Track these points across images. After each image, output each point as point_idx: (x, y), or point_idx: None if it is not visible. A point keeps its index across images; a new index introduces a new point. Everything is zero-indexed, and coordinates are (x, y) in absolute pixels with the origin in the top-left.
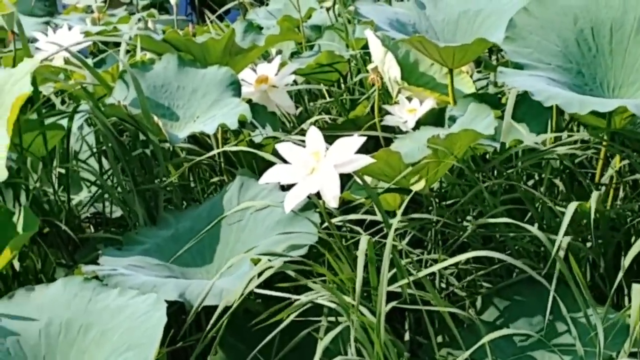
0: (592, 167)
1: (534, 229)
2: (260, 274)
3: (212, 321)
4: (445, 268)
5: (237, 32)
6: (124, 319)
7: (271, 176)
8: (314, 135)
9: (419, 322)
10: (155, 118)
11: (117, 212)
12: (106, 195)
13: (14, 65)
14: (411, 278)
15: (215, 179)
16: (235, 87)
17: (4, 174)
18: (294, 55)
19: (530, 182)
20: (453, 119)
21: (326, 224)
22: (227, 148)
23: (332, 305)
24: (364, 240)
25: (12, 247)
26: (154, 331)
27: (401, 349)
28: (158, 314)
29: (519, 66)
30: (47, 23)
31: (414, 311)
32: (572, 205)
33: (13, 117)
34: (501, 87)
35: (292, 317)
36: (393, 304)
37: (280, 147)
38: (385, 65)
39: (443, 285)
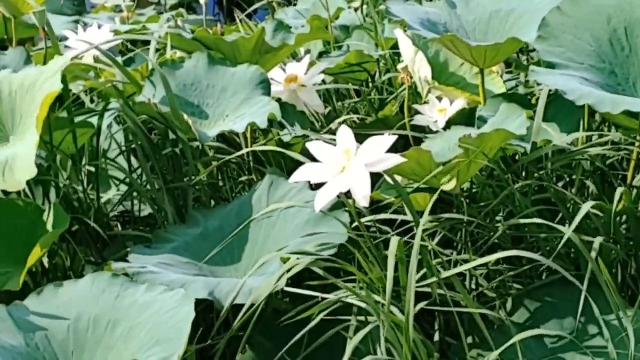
0: (622, 168)
1: (565, 230)
2: (289, 272)
3: (239, 319)
4: (475, 268)
5: (266, 31)
6: (151, 314)
7: (301, 175)
8: (344, 133)
9: (448, 323)
10: (185, 116)
11: (145, 211)
12: (135, 194)
13: (44, 63)
14: (441, 277)
15: (243, 178)
16: (265, 85)
17: (33, 170)
18: (322, 54)
19: (561, 183)
20: (482, 119)
21: (355, 223)
22: (255, 148)
23: (362, 305)
24: (394, 240)
25: (42, 244)
26: (181, 326)
27: (431, 349)
28: (186, 308)
29: (551, 65)
30: (77, 22)
31: (444, 311)
32: (587, 205)
33: (43, 114)
34: (531, 87)
35: (321, 315)
36: (422, 304)
37: (311, 146)
38: (416, 64)
39: (473, 286)
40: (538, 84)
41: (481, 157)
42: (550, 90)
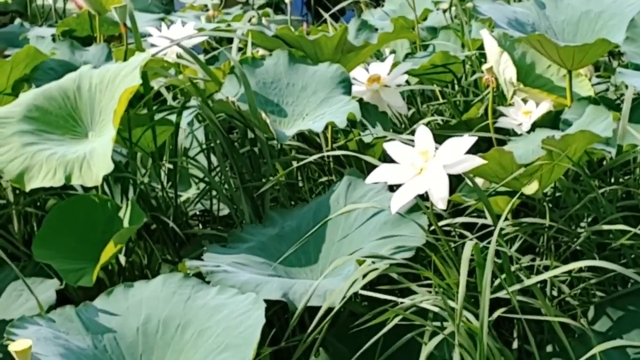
0: None
1: None
2: (364, 276)
3: (314, 322)
4: (557, 275)
5: (350, 30)
6: (222, 318)
7: (378, 176)
8: (423, 134)
9: (528, 330)
10: (263, 115)
11: (225, 210)
12: (214, 193)
13: (125, 60)
14: (520, 285)
15: (323, 179)
16: (346, 84)
17: (110, 166)
18: (408, 56)
19: None
20: (567, 123)
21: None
22: (331, 153)
23: (437, 310)
24: (469, 245)
25: (116, 241)
26: (252, 331)
27: (509, 357)
28: (257, 313)
29: (639, 67)
30: (162, 19)
31: (524, 319)
32: None
33: (121, 109)
34: (621, 91)
35: (396, 320)
36: (500, 312)
37: (388, 146)
38: (501, 65)
39: (554, 293)
40: (627, 87)
41: (565, 160)
42: (637, 92)
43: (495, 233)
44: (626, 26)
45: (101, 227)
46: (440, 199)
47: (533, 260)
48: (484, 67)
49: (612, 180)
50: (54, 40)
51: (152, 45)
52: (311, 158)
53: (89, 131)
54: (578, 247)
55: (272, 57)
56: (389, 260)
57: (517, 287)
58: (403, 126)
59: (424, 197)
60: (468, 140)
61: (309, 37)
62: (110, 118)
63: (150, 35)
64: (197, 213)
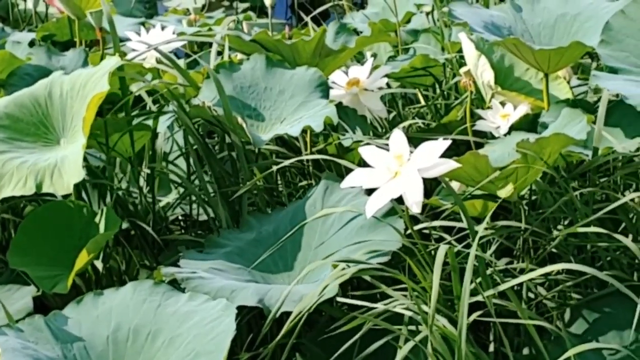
0: None
1: (625, 240)
2: (336, 280)
3: (285, 326)
4: (533, 278)
5: (329, 34)
6: (192, 325)
7: (353, 180)
8: (397, 138)
9: (505, 332)
10: (239, 119)
11: (205, 215)
12: (193, 197)
13: None
14: (494, 290)
15: (303, 183)
16: (324, 88)
17: (81, 174)
18: (390, 58)
19: (628, 192)
20: (545, 126)
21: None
22: (309, 157)
23: (410, 314)
24: (442, 249)
25: (91, 248)
26: (223, 338)
27: None
28: (227, 320)
29: (613, 70)
30: (143, 24)
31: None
32: None
33: (90, 116)
34: (600, 93)
35: (369, 325)
36: (476, 315)
37: (363, 151)
38: (479, 69)
39: (531, 295)
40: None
41: (540, 162)
42: (612, 95)
43: (476, 241)
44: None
45: (77, 233)
46: (414, 202)
47: (510, 263)
48: (462, 70)
49: (589, 183)
50: (31, 45)
51: (133, 50)
52: (287, 162)
53: (60, 138)
54: (555, 250)
55: (250, 61)
56: (364, 264)
57: (491, 292)
58: (383, 130)
59: (401, 200)
60: (442, 143)
61: (287, 41)
62: (78, 124)
63: (129, 39)
64: (179, 217)
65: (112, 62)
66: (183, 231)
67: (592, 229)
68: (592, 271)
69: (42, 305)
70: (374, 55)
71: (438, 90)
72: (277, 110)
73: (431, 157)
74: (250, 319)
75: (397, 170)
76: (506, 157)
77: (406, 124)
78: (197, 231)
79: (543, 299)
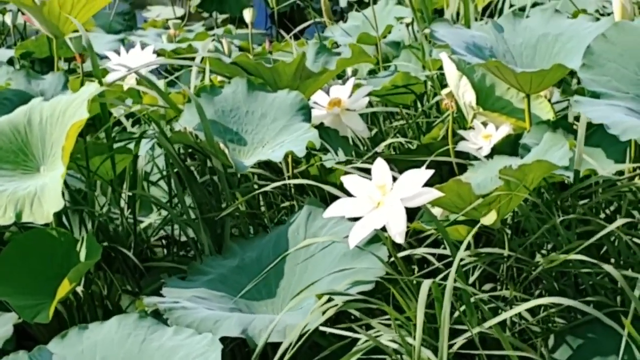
0: None
1: (607, 267)
2: (323, 313)
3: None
4: (516, 303)
5: (309, 54)
6: None
7: (336, 210)
8: (380, 167)
9: (490, 358)
10: (221, 145)
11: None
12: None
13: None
14: (480, 328)
15: (286, 204)
16: (305, 112)
17: (60, 203)
18: (371, 73)
19: (609, 211)
20: (526, 147)
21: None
22: (293, 181)
23: (395, 346)
24: (426, 284)
25: (72, 277)
26: None
27: None
28: (213, 355)
29: (595, 95)
30: (122, 40)
31: (484, 348)
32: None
33: (69, 145)
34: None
35: (357, 356)
36: (460, 343)
37: (346, 180)
38: (460, 89)
39: (515, 320)
40: None
41: (522, 189)
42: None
43: (453, 270)
44: (584, 49)
45: (59, 262)
46: (398, 233)
47: (494, 289)
48: (443, 91)
49: (570, 205)
50: (10, 62)
51: (113, 70)
52: (270, 187)
53: (40, 165)
54: (538, 274)
55: (231, 85)
56: (348, 296)
57: (477, 329)
58: (365, 148)
59: (384, 227)
60: (425, 173)
61: (267, 65)
62: (58, 153)
63: (109, 59)
64: (162, 237)
65: (91, 89)
66: (165, 251)
67: (574, 256)
68: (576, 304)
69: (24, 332)
70: (355, 72)
71: (420, 109)
72: (259, 134)
73: (414, 187)
74: (234, 347)
75: (380, 200)
76: (489, 182)
77: (388, 142)
78: (179, 253)
79: (528, 325)
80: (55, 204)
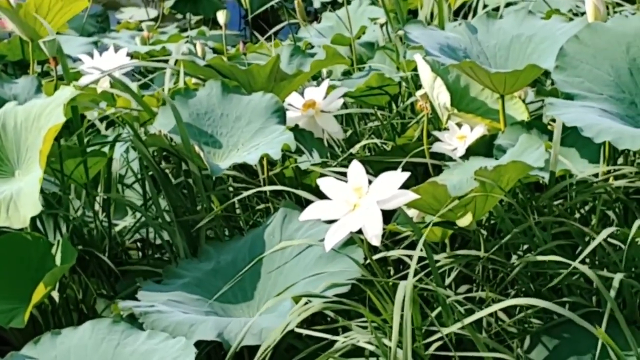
0: None
1: (582, 267)
2: (299, 315)
3: None
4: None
5: (283, 56)
6: None
7: (312, 213)
8: (356, 170)
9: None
10: (197, 148)
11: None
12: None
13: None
14: (454, 328)
15: (261, 206)
16: (280, 114)
17: (38, 207)
18: (345, 74)
19: (583, 211)
20: (501, 148)
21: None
22: (269, 188)
23: (372, 348)
24: (402, 287)
25: (47, 282)
26: None
27: None
28: (187, 359)
29: (569, 96)
30: (95, 43)
31: (461, 349)
32: (601, 236)
33: (46, 149)
34: None
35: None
36: (437, 344)
37: (322, 183)
38: (435, 90)
39: (491, 321)
40: None
41: (498, 190)
42: None
43: (412, 271)
44: (557, 49)
45: (34, 266)
46: (374, 235)
47: (469, 290)
48: (418, 93)
49: (545, 205)
50: None
51: (86, 73)
52: (247, 194)
53: (15, 170)
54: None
55: (205, 88)
56: (324, 298)
57: (453, 328)
58: (340, 149)
59: (360, 230)
60: (401, 175)
61: (241, 67)
62: (37, 156)
63: (82, 62)
64: (137, 240)
65: (66, 93)
66: (141, 254)
67: (549, 257)
68: (551, 306)
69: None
70: (330, 73)
71: (395, 110)
72: (234, 137)
73: (390, 189)
74: (210, 351)
75: (356, 202)
76: (464, 184)
77: (363, 143)
78: (154, 255)
79: (504, 325)
80: (32, 208)
